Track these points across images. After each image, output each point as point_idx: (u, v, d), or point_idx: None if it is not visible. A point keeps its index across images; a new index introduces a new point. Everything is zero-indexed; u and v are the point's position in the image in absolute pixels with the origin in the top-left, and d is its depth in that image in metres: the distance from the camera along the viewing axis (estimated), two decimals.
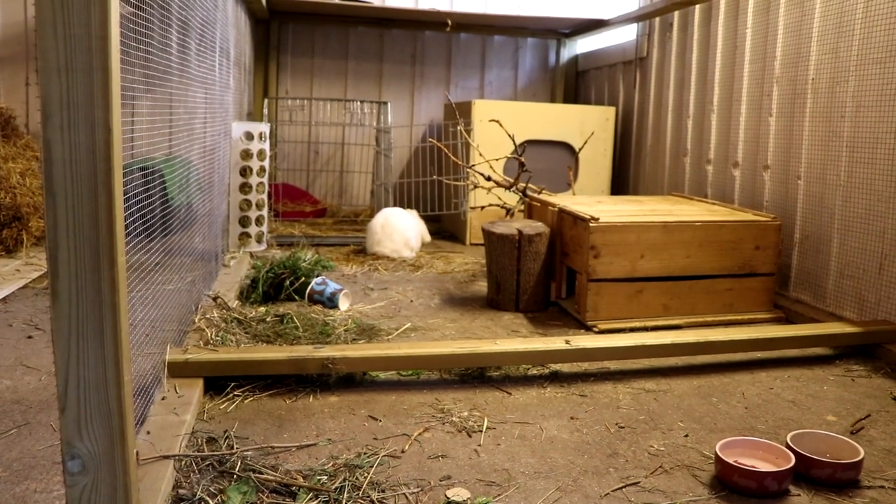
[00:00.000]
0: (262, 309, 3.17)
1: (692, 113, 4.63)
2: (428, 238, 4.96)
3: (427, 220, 5.35)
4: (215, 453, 1.89)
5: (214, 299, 3.07)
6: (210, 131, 3.42)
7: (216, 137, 3.63)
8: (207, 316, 2.88)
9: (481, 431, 2.16)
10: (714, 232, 3.36)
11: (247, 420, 2.17)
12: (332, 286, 3.43)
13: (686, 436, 2.19)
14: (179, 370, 2.30)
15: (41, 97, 1.21)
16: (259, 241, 4.48)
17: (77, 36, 1.20)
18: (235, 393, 2.35)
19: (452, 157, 4.77)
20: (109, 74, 1.22)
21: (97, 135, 1.23)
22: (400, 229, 4.55)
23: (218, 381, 2.39)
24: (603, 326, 3.23)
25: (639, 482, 1.89)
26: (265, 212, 4.51)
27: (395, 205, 5.29)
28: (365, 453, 1.98)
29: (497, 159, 4.77)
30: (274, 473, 1.81)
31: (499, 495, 1.79)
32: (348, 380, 2.54)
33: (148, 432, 1.90)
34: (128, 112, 2.00)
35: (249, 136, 4.31)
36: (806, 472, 1.94)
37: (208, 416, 2.18)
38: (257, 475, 1.78)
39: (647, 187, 5.29)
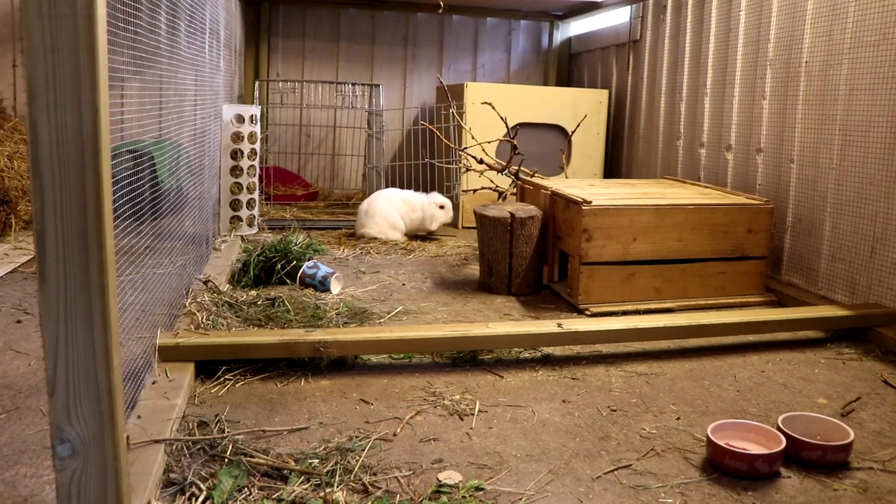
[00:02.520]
0: (254, 292, 3.17)
1: (685, 96, 4.62)
2: (446, 219, 4.72)
3: None
4: (206, 437, 1.89)
5: (205, 283, 3.06)
6: (200, 114, 3.40)
7: (206, 120, 3.61)
8: (198, 300, 2.87)
9: (473, 414, 2.17)
10: (707, 215, 3.36)
11: (238, 404, 2.17)
12: (324, 269, 3.43)
13: (678, 419, 2.20)
14: (170, 354, 2.29)
15: (27, 78, 1.20)
16: (250, 224, 4.47)
17: (63, 16, 1.19)
18: (226, 377, 2.35)
19: (444, 139, 4.75)
20: (96, 55, 1.21)
21: (84, 116, 1.22)
22: (382, 212, 4.56)
23: (209, 365, 2.39)
24: (595, 310, 3.23)
25: (630, 465, 1.90)
26: (256, 195, 4.49)
27: (386, 187, 5.28)
28: (357, 437, 1.98)
29: (489, 142, 4.76)
30: (265, 457, 1.81)
31: (490, 478, 1.80)
32: (340, 363, 2.54)
33: (139, 417, 1.89)
34: (116, 94, 1.98)
35: (240, 119, 4.29)
36: (796, 454, 1.96)
37: (199, 401, 2.18)
38: (248, 459, 1.78)
39: (639, 170, 5.29)
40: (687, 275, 3.39)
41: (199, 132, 3.38)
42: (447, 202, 4.68)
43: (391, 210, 4.60)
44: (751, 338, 2.96)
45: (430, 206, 4.60)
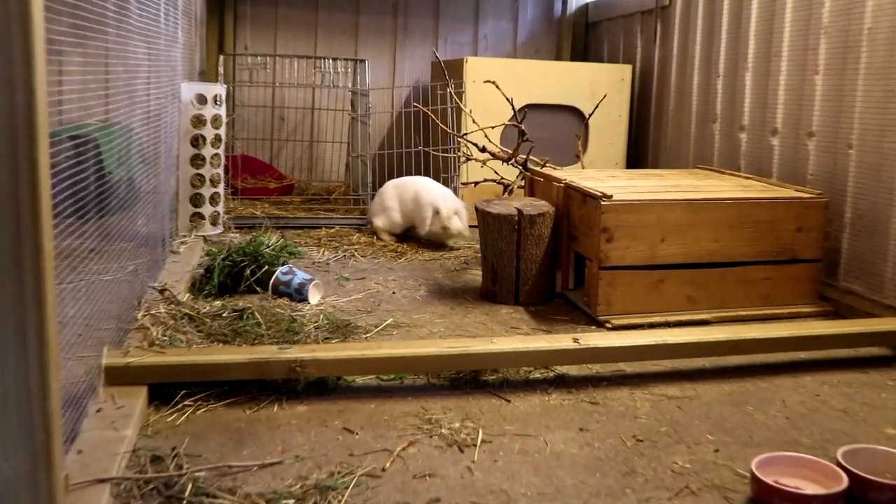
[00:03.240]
0: (218, 303, 3.16)
1: (723, 71, 4.62)
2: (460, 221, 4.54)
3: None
4: (161, 475, 1.88)
5: (161, 292, 3.05)
6: (155, 93, 3.38)
7: (162, 101, 3.59)
8: (153, 312, 2.86)
9: (475, 446, 2.16)
10: (748, 211, 3.36)
11: (199, 435, 2.16)
12: (301, 276, 3.42)
13: (716, 451, 2.19)
14: (119, 376, 2.28)
15: None
16: (214, 223, 4.46)
17: None
18: (186, 403, 2.34)
19: (441, 124, 4.75)
20: (31, 25, 1.20)
21: (17, 97, 1.20)
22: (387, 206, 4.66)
23: (165, 388, 2.37)
24: (617, 322, 3.23)
25: None
26: (221, 189, 4.47)
27: (373, 179, 5.26)
28: (339, 472, 1.97)
29: (493, 127, 4.75)
30: (231, 498, 1.80)
31: None
32: (320, 386, 2.53)
33: (80, 451, 1.88)
34: (55, 70, 1.97)
35: (202, 100, 4.28)
36: (862, 495, 1.94)
37: (153, 431, 2.17)
38: (211, 500, 1.77)
39: (669, 159, 5.29)
40: (725, 281, 3.38)
41: (154, 115, 3.37)
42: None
43: (392, 207, 4.69)
44: (802, 355, 2.95)
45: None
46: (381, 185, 4.92)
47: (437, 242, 4.61)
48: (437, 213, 4.45)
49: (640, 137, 5.74)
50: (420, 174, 5.60)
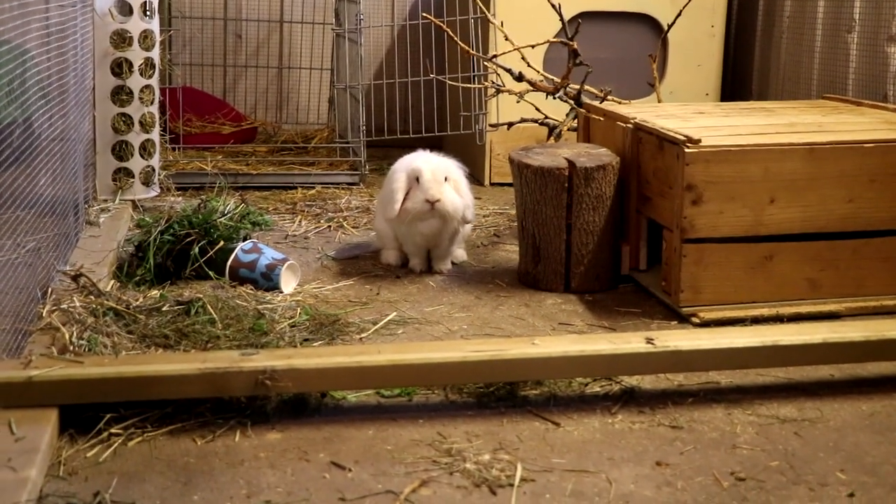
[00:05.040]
0: (156, 293, 3.16)
1: None
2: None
3: (424, 145, 5.30)
4: None
5: (75, 279, 3.04)
6: (56, 0, 3.37)
7: (67, 11, 3.58)
8: (64, 306, 2.85)
9: (512, 486, 2.15)
10: None
11: (132, 474, 2.15)
12: (270, 255, 3.42)
13: (851, 495, 2.17)
14: (17, 396, 2.28)
15: None
16: (147, 182, 4.45)
17: None
18: (113, 431, 2.33)
19: (461, 43, 4.71)
20: None
21: None
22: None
23: (84, 411, 2.36)
24: (708, 315, 3.21)
25: None
26: (156, 135, 4.47)
27: (367, 122, 5.25)
28: None
29: (533, 46, 4.71)
30: None
31: None
32: (298, 405, 2.53)
33: None
34: None
35: (125, 9, 4.25)
36: None
37: (67, 471, 2.16)
38: None
39: (781, 87, 5.25)
40: (862, 258, 3.35)
41: (56, 31, 3.36)
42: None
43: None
44: None
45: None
46: (376, 132, 4.85)
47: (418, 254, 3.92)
48: (416, 179, 3.67)
49: (741, 58, 5.70)
50: (432, 115, 5.57)
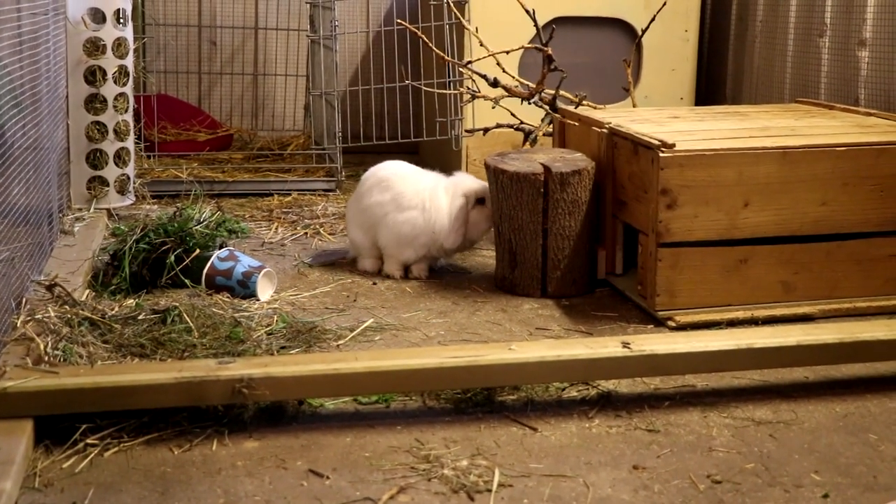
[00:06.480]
0: (132, 302, 3.16)
1: None
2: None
3: (400, 151, 5.30)
4: None
5: (49, 288, 3.04)
6: (28, 7, 3.35)
7: (39, 19, 3.57)
8: (38, 316, 2.84)
9: (490, 491, 2.16)
10: (869, 162, 3.34)
11: (109, 485, 2.14)
12: (246, 263, 3.42)
13: (825, 496, 2.18)
14: None
15: None
16: (122, 191, 4.44)
17: None
18: (89, 441, 2.32)
19: (436, 49, 4.72)
20: None
21: None
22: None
23: (59, 422, 2.36)
24: (683, 319, 3.22)
25: None
26: (130, 143, 4.45)
27: (343, 128, 5.25)
28: None
29: (508, 51, 4.72)
30: None
31: None
32: (275, 413, 2.53)
33: None
34: None
35: (98, 17, 4.24)
36: None
37: (43, 483, 2.15)
38: None
39: (755, 91, 5.27)
40: (835, 261, 3.37)
41: (29, 39, 3.34)
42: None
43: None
44: None
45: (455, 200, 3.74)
46: (352, 138, 4.85)
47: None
48: (479, 201, 3.71)
49: (715, 62, 5.71)
50: (408, 121, 5.56)
